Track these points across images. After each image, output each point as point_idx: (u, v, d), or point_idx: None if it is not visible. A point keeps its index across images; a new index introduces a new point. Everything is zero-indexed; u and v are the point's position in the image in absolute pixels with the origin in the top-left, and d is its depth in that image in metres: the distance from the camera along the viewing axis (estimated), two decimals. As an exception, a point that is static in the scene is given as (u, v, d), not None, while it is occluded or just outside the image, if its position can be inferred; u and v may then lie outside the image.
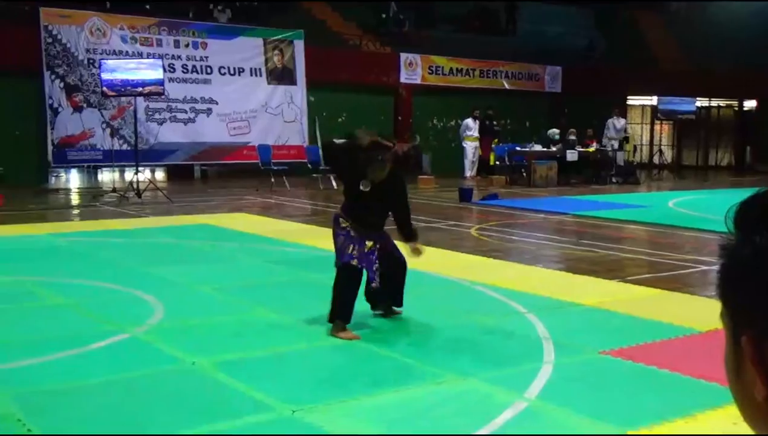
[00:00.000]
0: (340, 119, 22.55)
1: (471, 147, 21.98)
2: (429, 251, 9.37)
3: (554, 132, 21.18)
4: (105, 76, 15.71)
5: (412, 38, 25.03)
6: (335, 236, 5.75)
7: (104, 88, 15.82)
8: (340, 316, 5.56)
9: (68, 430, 3.88)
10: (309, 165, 18.94)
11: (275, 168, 18.13)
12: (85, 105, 18.00)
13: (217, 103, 19.77)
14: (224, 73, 20.08)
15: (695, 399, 4.40)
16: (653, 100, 26.56)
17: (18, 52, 17.25)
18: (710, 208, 12.63)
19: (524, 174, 19.92)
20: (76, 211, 13.71)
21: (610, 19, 30.32)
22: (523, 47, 26.88)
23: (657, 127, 28.69)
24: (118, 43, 18.51)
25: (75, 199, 15.86)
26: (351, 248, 5.63)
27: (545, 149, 20.47)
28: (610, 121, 22.88)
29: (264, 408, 4.21)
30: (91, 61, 17.94)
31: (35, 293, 6.96)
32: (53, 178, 18.64)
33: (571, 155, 20.16)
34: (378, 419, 4.07)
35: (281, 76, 21.02)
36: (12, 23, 17.67)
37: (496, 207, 14.50)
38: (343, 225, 5.71)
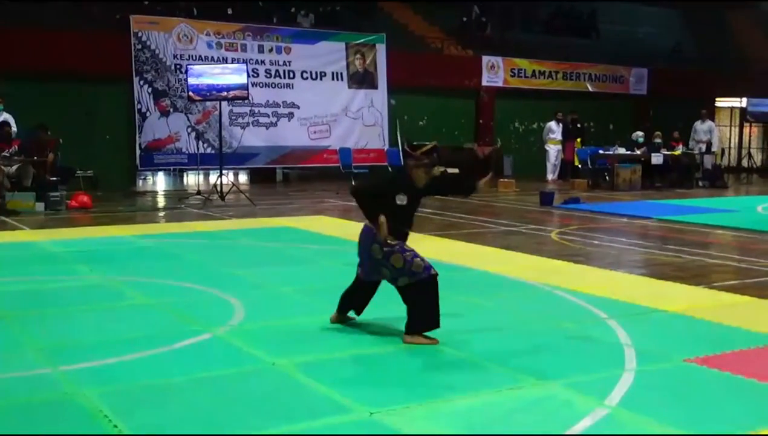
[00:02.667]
0: (421, 123, 22.60)
1: (554, 150, 21.73)
2: (509, 255, 9.33)
3: (639, 134, 20.77)
4: (191, 81, 16.07)
5: (495, 41, 24.88)
6: (404, 253, 5.61)
7: (190, 93, 16.19)
8: (435, 323, 5.55)
9: (154, 427, 3.98)
10: (389, 168, 19.00)
11: (356, 171, 18.25)
12: (171, 110, 18.47)
13: (298, 108, 20.03)
14: (306, 78, 20.32)
15: (784, 410, 4.26)
16: (743, 101, 25.83)
17: (109, 59, 17.82)
18: (803, 213, 12.21)
19: (607, 178, 19.58)
20: (162, 214, 14.06)
21: (698, 19, 29.61)
22: (608, 48, 26.45)
23: (746, 130, 27.88)
24: (204, 49, 18.93)
25: (161, 201, 16.26)
26: (422, 259, 5.59)
27: (629, 152, 20.08)
28: (697, 123, 22.27)
29: (342, 410, 4.25)
30: (178, 66, 18.39)
31: (123, 292, 7.17)
32: (141, 181, 19.16)
33: (656, 158, 19.74)
34: (456, 423, 4.06)
35: (362, 80, 21.16)
36: (104, 31, 18.23)
37: (577, 211, 14.30)
38: (393, 243, 5.61)
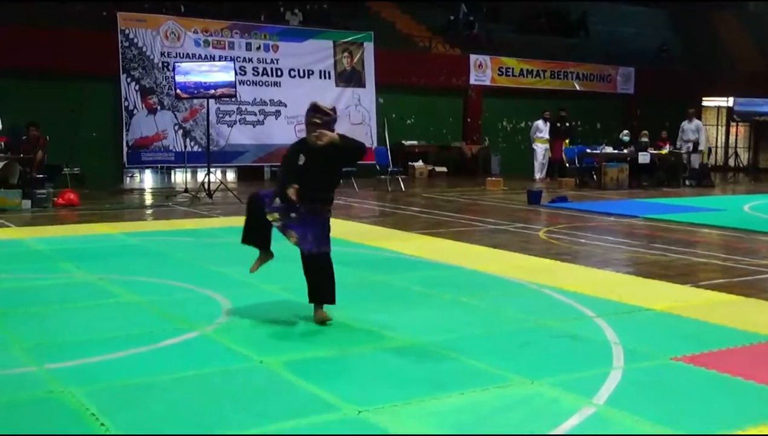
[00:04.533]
0: (409, 121, 22.62)
1: (541, 149, 21.77)
2: (496, 254, 9.34)
3: (624, 133, 20.84)
4: (179, 78, 16.02)
5: (482, 40, 24.92)
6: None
7: (178, 91, 16.14)
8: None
9: (141, 424, 3.96)
10: (377, 167, 19.00)
11: (343, 169, 18.20)
12: (159, 107, 18.43)
13: (285, 106, 20.01)
14: (294, 76, 20.30)
15: (770, 408, 4.28)
16: (729, 101, 25.96)
17: (97, 57, 17.75)
18: (788, 212, 12.27)
19: (594, 176, 19.64)
20: (149, 211, 14.01)
21: (684, 19, 29.74)
22: (595, 48, 26.54)
23: (733, 129, 28.02)
24: (191, 47, 18.88)
25: (148, 199, 16.20)
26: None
27: (616, 151, 20.14)
28: (685, 123, 22.32)
29: (330, 408, 4.24)
30: (166, 64, 18.34)
31: (109, 290, 7.13)
32: (128, 178, 19.09)
33: (643, 158, 19.81)
34: (443, 421, 4.06)
35: (350, 78, 21.15)
36: (91, 28, 18.15)
37: (565, 210, 14.34)
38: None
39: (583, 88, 25.37)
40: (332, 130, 5.92)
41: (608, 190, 18.35)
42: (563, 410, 4.22)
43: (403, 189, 17.88)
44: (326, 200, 6.07)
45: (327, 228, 6.09)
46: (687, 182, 20.37)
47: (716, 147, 27.75)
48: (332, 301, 6.03)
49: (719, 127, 28.47)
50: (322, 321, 5.94)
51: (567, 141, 22.09)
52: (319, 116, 5.92)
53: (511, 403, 4.35)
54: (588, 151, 20.54)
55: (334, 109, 6.13)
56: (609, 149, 20.29)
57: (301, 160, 5.93)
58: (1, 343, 5.44)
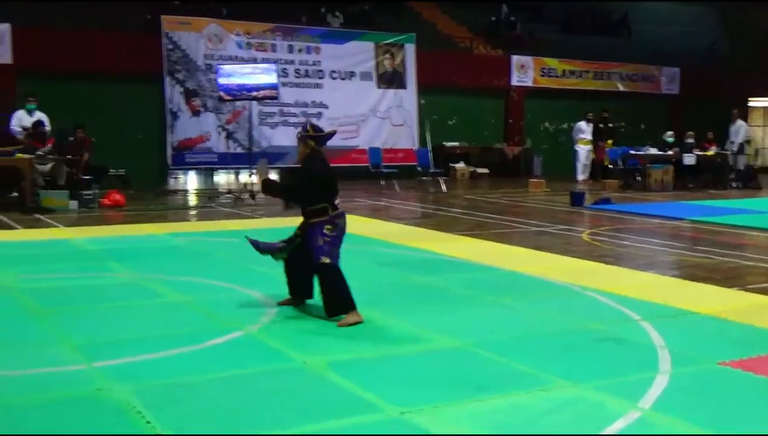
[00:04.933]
0: (450, 122, 22.58)
1: (584, 150, 21.58)
2: (539, 256, 9.29)
3: (668, 134, 20.58)
4: (222, 81, 16.17)
5: (524, 40, 24.79)
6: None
7: (221, 93, 16.29)
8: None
9: (185, 422, 4.01)
10: (418, 168, 19.00)
11: (385, 171, 18.26)
12: (202, 109, 18.61)
13: (327, 108, 20.09)
14: (335, 78, 20.38)
15: (821, 415, 4.20)
16: (777, 101, 25.51)
17: (141, 59, 17.98)
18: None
19: (638, 178, 19.42)
20: (193, 212, 14.15)
21: (733, 17, 29.26)
22: (639, 48, 26.25)
23: (781, 130, 27.52)
24: (234, 49, 19.05)
25: (192, 200, 16.37)
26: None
27: (661, 153, 19.90)
28: (732, 124, 21.90)
29: (372, 409, 4.25)
30: (209, 66, 18.52)
31: (155, 290, 7.23)
32: (172, 179, 19.29)
33: (689, 159, 19.56)
34: (485, 424, 4.05)
35: (391, 79, 21.17)
36: (136, 31, 18.39)
37: (608, 211, 14.20)
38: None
39: (627, 89, 25.12)
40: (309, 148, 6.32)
41: (652, 192, 18.13)
42: (608, 414, 4.18)
43: (445, 190, 17.85)
44: (308, 214, 6.22)
45: (318, 239, 6.10)
46: (733, 184, 20.06)
47: (763, 148, 27.29)
48: (334, 313, 6.05)
49: (766, 127, 27.99)
50: (347, 325, 5.95)
51: (610, 142, 21.89)
52: (301, 133, 6.38)
53: (555, 406, 4.32)
54: (632, 152, 20.33)
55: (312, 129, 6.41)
56: (653, 151, 20.06)
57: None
58: (51, 341, 5.55)
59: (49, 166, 14.02)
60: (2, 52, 16.79)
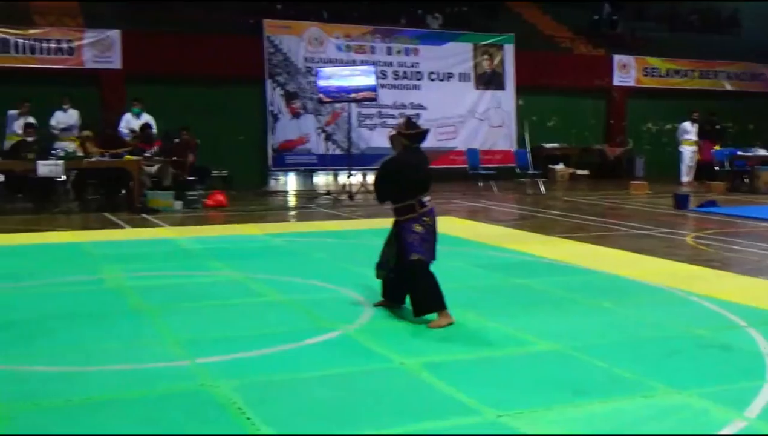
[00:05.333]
0: (550, 123, 22.29)
1: (688, 151, 20.93)
2: (641, 259, 9.07)
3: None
4: (321, 83, 16.39)
5: (626, 39, 24.27)
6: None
7: (320, 95, 16.51)
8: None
9: (284, 419, 4.08)
10: (517, 169, 18.82)
11: (483, 172, 18.16)
12: (302, 111, 18.89)
13: (425, 109, 20.10)
14: (434, 79, 20.38)
15: None
16: None
17: (243, 62, 18.38)
18: None
19: (746, 180, 18.76)
20: (292, 213, 14.38)
21: None
22: (748, 46, 25.34)
23: None
24: (333, 51, 19.26)
25: (292, 201, 16.64)
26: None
27: (770, 154, 19.17)
28: None
29: (469, 411, 4.24)
30: (309, 69, 18.78)
31: (255, 289, 7.38)
32: (272, 180, 19.65)
33: (799, 160, 18.77)
34: (584, 429, 3.98)
35: (489, 80, 21.05)
36: (239, 36, 18.81)
37: (714, 215, 13.76)
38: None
39: (734, 88, 24.29)
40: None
41: (761, 194, 17.48)
42: (712, 422, 4.06)
43: (543, 192, 17.63)
44: (397, 212, 6.20)
45: (408, 236, 6.07)
46: None
47: None
48: (421, 312, 6.03)
49: None
50: (438, 327, 5.92)
51: (718, 146, 21.20)
52: (399, 129, 6.38)
53: (656, 413, 4.22)
54: (739, 153, 19.65)
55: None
56: (762, 152, 19.34)
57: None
58: (156, 337, 5.73)
59: (155, 167, 14.48)
60: (113, 58, 17.43)
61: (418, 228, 6.07)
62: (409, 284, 6.12)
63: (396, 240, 6.19)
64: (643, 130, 23.81)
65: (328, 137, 19.14)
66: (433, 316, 6.00)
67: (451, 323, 5.92)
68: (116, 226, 11.86)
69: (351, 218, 13.00)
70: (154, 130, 15.65)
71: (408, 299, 6.26)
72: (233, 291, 7.29)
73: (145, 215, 12.92)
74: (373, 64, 18.29)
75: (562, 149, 22.19)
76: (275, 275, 7.92)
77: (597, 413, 4.21)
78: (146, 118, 16.05)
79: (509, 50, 21.23)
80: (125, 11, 18.45)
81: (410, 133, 6.25)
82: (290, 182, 20.22)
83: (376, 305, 6.53)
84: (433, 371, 4.88)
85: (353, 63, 18.69)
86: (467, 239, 10.37)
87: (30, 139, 13.86)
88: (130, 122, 16.08)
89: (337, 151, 19.05)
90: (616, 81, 22.95)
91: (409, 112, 19.92)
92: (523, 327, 5.91)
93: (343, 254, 9.29)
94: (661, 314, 6.43)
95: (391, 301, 6.47)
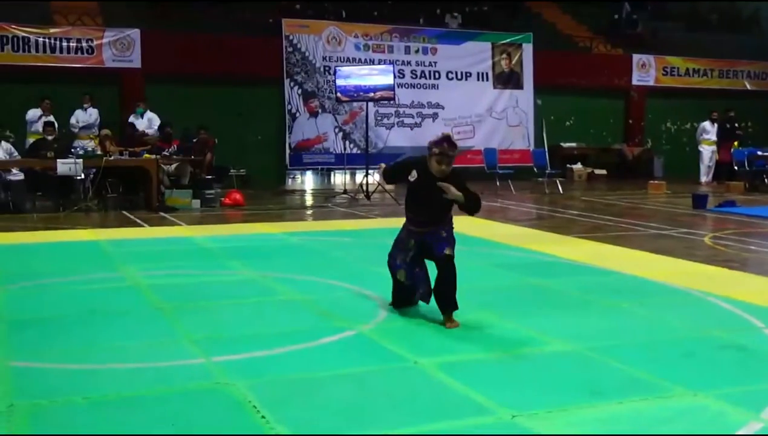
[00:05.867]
0: (568, 123, 22.23)
1: (708, 151, 20.82)
2: (659, 259, 9.03)
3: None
4: (339, 82, 16.41)
5: (646, 39, 24.14)
6: None
7: (338, 94, 16.53)
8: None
9: (299, 418, 4.09)
10: (535, 169, 18.77)
11: (500, 172, 18.13)
12: (320, 110, 18.93)
13: (443, 108, 20.10)
14: (452, 78, 20.37)
15: None
16: None
17: (262, 62, 18.45)
18: None
19: (766, 180, 18.63)
20: (309, 212, 14.41)
21: None
22: (768, 45, 25.14)
23: None
24: (351, 51, 19.29)
25: (309, 200, 16.67)
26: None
27: (791, 154, 19.02)
28: None
29: (484, 411, 4.23)
30: (327, 68, 18.83)
31: (272, 287, 7.40)
32: (290, 179, 19.71)
33: (821, 161, 18.62)
34: (600, 430, 3.97)
35: (507, 80, 21.01)
36: (257, 35, 18.87)
37: (733, 215, 13.67)
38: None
39: (755, 88, 24.12)
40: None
41: (782, 194, 17.37)
42: (729, 424, 4.04)
43: (561, 192, 17.58)
44: (448, 220, 6.17)
45: (443, 232, 6.10)
46: None
47: None
48: (448, 307, 6.03)
49: None
50: (455, 327, 5.93)
51: (736, 143, 21.05)
52: (452, 150, 5.97)
53: (673, 414, 4.20)
54: (759, 153, 19.50)
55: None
56: (783, 152, 19.20)
57: (413, 176, 6.09)
58: (173, 335, 5.76)
59: (174, 166, 14.55)
60: (132, 57, 17.54)
61: (444, 234, 6.09)
62: (441, 277, 6.06)
63: (417, 245, 6.17)
64: (662, 130, 23.69)
65: (346, 136, 19.17)
66: (456, 313, 5.99)
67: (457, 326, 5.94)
68: (135, 224, 11.93)
69: (368, 218, 13.01)
70: (158, 130, 15.74)
71: (419, 300, 6.28)
72: (250, 290, 7.32)
73: (163, 214, 13.00)
74: (392, 63, 18.29)
75: (580, 149, 22.12)
76: (292, 274, 7.94)
77: (612, 414, 4.20)
78: (150, 116, 16.18)
79: (528, 49, 21.18)
80: (144, 11, 18.57)
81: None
82: (307, 181, 20.26)
83: (392, 305, 6.53)
84: (449, 370, 4.88)
85: (371, 62, 18.70)
86: (485, 238, 10.36)
87: (50, 137, 13.98)
88: (134, 123, 16.19)
89: (355, 151, 19.08)
90: (635, 80, 22.85)
91: (427, 111, 19.95)
92: (540, 327, 5.89)
93: (360, 254, 9.30)
94: (678, 315, 6.39)
95: (400, 305, 6.45)
